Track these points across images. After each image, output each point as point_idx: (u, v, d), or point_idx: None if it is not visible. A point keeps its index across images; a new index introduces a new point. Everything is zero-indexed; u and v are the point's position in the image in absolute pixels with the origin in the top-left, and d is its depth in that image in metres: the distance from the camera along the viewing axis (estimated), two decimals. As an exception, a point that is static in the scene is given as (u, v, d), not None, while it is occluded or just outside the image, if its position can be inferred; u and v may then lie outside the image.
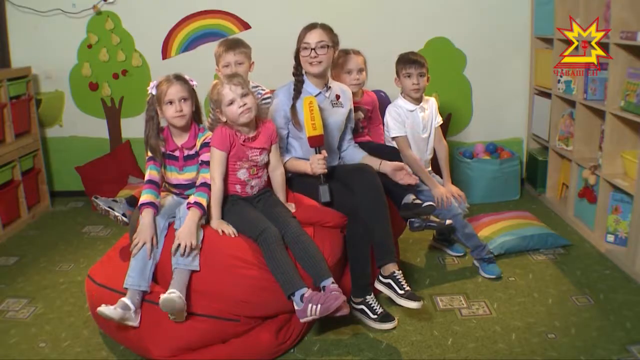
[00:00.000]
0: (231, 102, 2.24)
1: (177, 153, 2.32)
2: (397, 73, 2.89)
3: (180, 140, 2.32)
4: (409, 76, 2.83)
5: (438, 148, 3.01)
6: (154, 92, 2.26)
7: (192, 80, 2.31)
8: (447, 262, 3.02)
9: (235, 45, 2.66)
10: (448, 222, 2.74)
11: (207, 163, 2.30)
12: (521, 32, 3.95)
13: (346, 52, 2.82)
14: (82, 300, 2.60)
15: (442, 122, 3.03)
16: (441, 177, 2.96)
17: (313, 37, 2.45)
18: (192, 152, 2.32)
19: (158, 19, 3.94)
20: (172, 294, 2.03)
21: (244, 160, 2.31)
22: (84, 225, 3.71)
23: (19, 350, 2.32)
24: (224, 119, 2.28)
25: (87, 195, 4.03)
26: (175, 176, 2.35)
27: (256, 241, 2.21)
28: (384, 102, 3.09)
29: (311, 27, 2.49)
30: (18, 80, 3.77)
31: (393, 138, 2.90)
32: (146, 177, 2.30)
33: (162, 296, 2.03)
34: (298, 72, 2.54)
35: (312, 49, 2.45)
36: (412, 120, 2.89)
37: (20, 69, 3.87)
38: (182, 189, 2.35)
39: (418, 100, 2.90)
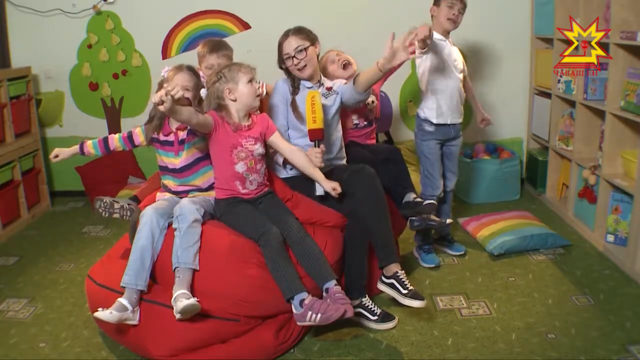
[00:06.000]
0: (250, 81, 2.27)
1: (171, 137, 2.35)
2: (438, 1, 2.78)
3: (176, 123, 2.35)
4: (451, 6, 2.73)
5: (466, 88, 2.98)
6: (165, 75, 2.34)
7: (203, 77, 2.39)
8: (447, 262, 3.02)
9: (219, 47, 2.67)
10: (449, 221, 2.74)
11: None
12: (521, 32, 3.95)
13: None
14: (82, 300, 2.61)
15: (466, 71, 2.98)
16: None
17: (290, 46, 2.49)
18: (186, 133, 2.35)
19: (158, 19, 3.94)
20: (192, 299, 2.03)
21: (240, 149, 2.29)
22: (84, 225, 3.71)
23: (19, 350, 2.32)
24: (232, 98, 2.27)
25: (87, 195, 4.03)
26: (172, 161, 2.37)
27: (257, 242, 2.21)
28: (383, 102, 3.09)
29: (284, 36, 2.52)
30: (18, 80, 3.78)
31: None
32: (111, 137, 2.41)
33: (185, 302, 2.00)
34: (289, 75, 2.57)
35: (292, 57, 2.48)
36: (447, 50, 2.80)
37: (20, 69, 3.87)
38: (179, 174, 2.36)
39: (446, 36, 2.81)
